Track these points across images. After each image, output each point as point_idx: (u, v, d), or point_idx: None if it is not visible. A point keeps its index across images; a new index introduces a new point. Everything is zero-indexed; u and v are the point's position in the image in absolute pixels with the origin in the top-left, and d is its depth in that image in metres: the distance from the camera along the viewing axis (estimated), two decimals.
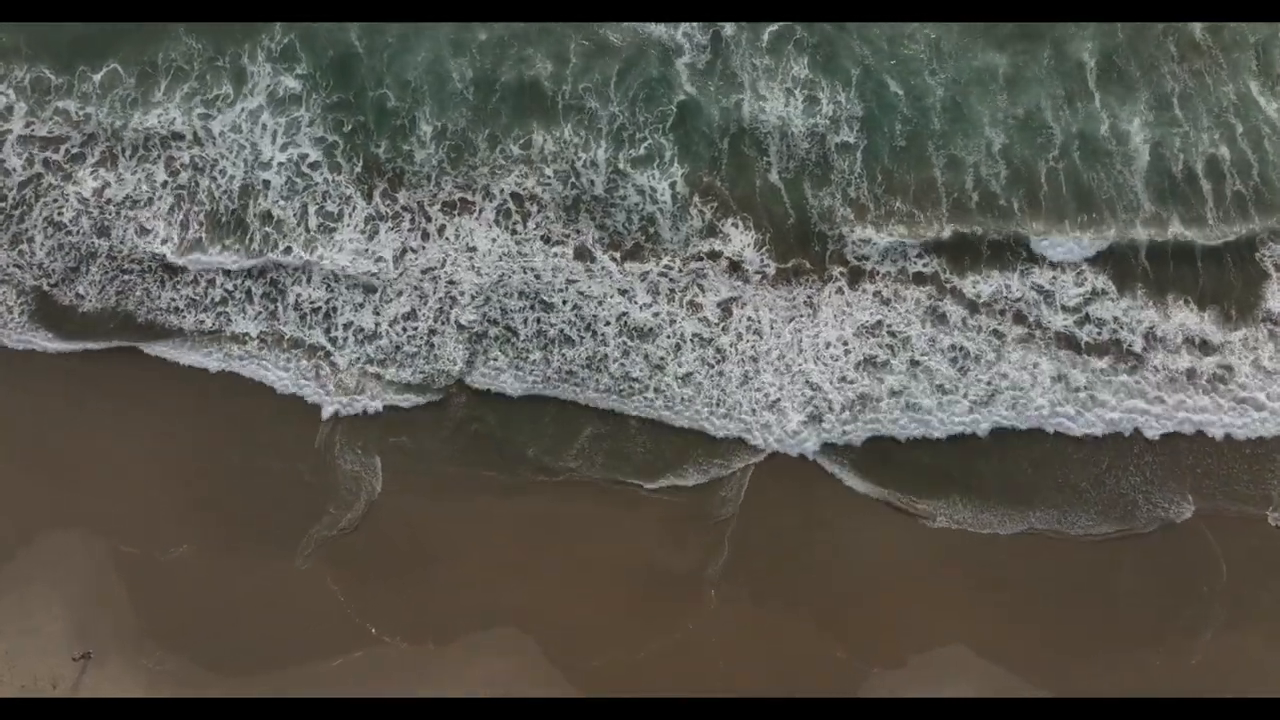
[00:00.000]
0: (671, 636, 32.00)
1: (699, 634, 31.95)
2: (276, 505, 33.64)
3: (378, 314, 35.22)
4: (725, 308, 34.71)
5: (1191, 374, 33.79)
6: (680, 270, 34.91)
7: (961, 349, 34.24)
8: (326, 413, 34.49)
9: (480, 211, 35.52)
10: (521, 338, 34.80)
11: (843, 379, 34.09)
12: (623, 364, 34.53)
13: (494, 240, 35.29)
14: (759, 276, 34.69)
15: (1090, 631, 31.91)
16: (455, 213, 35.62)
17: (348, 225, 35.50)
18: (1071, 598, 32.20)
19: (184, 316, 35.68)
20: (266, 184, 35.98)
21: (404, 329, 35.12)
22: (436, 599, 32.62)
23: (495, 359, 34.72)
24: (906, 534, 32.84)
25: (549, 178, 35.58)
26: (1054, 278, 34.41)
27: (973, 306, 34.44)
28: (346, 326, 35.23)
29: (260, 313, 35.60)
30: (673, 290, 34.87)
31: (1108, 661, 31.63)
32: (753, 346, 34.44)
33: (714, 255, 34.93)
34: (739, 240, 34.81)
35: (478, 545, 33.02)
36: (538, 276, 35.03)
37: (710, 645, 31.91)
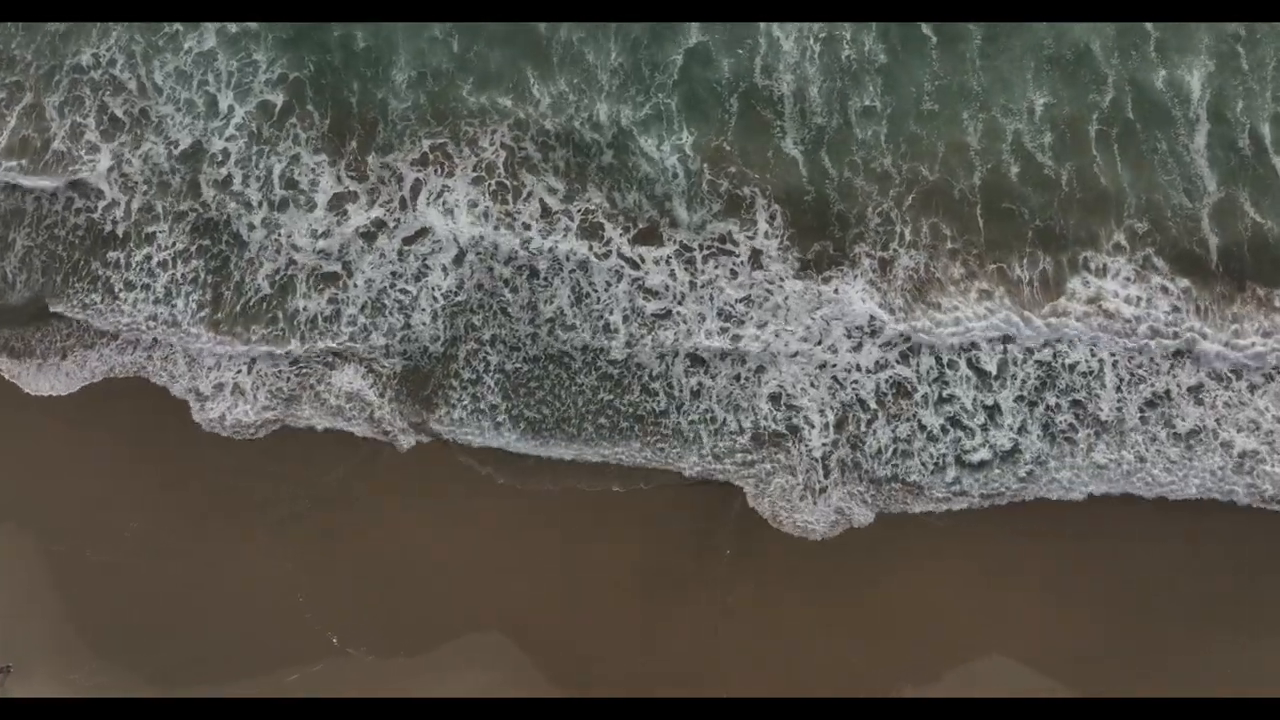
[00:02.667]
0: (677, 645, 29.52)
1: (705, 642, 29.46)
2: (231, 498, 30.83)
3: (337, 301, 31.28)
4: (745, 299, 30.60)
5: None
6: (699, 252, 30.86)
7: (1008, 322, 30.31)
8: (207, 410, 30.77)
9: (464, 171, 31.51)
10: (514, 306, 31.01)
11: (868, 367, 30.31)
12: (628, 352, 30.69)
13: (474, 205, 31.26)
14: (781, 265, 30.64)
15: (1150, 635, 29.28)
16: (435, 170, 31.60)
17: (314, 204, 31.59)
18: (1129, 599, 29.49)
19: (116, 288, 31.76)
20: (226, 152, 31.94)
21: (373, 310, 31.24)
22: (410, 603, 29.96)
23: (477, 329, 30.91)
24: (936, 531, 30.05)
25: (549, 133, 31.66)
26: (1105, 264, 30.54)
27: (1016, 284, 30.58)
28: (299, 312, 31.34)
29: (206, 285, 31.57)
30: (692, 280, 30.78)
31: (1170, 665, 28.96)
32: (774, 335, 30.38)
33: (731, 239, 30.89)
34: (761, 226, 30.79)
35: (457, 543, 30.30)
36: (534, 248, 31.03)
37: (719, 655, 29.37)
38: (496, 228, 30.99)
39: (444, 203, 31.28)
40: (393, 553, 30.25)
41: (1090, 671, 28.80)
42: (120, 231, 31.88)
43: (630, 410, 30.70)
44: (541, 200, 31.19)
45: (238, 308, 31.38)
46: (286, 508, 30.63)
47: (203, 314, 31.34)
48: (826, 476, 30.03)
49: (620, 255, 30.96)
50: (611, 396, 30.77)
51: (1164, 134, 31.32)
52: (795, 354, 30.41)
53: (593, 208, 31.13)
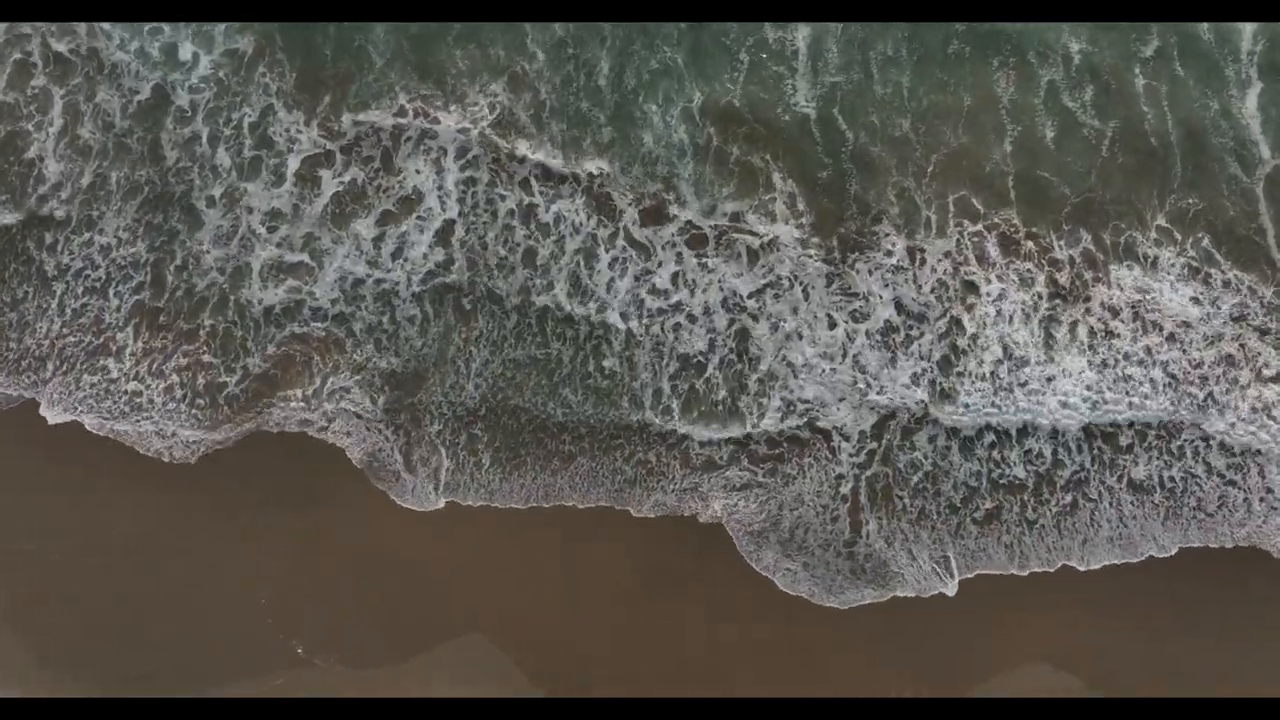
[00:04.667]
0: (677, 645, 28.88)
1: (705, 642, 28.79)
2: (217, 498, 29.18)
3: (299, 291, 28.35)
4: (757, 292, 28.22)
5: None
6: (711, 232, 28.31)
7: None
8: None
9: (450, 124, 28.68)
10: (505, 294, 28.42)
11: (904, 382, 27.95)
12: (626, 356, 28.25)
13: (465, 152, 28.54)
14: (798, 253, 28.20)
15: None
16: (417, 116, 28.73)
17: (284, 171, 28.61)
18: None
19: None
20: (194, 105, 28.86)
21: (352, 296, 28.43)
22: (409, 604, 29.02)
23: (467, 312, 28.29)
24: None
25: (544, 97, 28.72)
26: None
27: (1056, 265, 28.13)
28: (254, 303, 28.30)
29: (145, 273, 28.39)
30: (703, 262, 28.29)
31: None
32: (795, 336, 28.13)
33: (743, 219, 28.35)
34: (780, 209, 28.19)
35: (456, 543, 29.06)
36: (538, 227, 28.46)
37: (719, 655, 28.77)
38: (492, 184, 28.32)
39: (426, 149, 28.53)
40: (390, 553, 29.03)
41: (1111, 673, 28.33)
42: (61, 215, 28.75)
43: (617, 419, 28.29)
44: (541, 161, 28.64)
45: (180, 291, 28.16)
46: (276, 508, 29.15)
47: (140, 297, 28.06)
48: (857, 532, 27.92)
49: (626, 236, 28.41)
50: (602, 396, 28.44)
51: (1215, 93, 28.69)
52: (814, 367, 28.29)
53: (595, 172, 28.49)
